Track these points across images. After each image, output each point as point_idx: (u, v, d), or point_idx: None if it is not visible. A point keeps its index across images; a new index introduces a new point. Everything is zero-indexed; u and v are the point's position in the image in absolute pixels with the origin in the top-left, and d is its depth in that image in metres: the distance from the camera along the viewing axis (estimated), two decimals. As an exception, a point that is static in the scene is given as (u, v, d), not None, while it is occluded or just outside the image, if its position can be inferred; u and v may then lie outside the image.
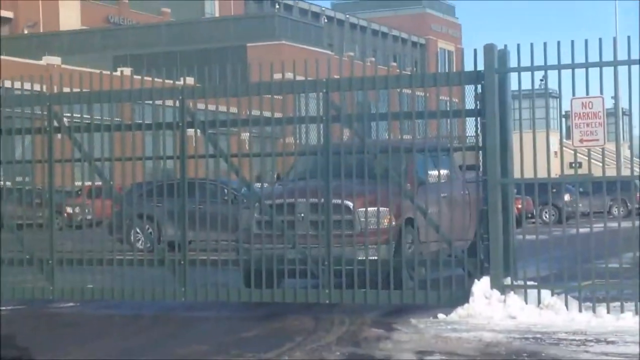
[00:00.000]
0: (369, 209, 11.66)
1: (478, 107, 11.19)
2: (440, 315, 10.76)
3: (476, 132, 11.23)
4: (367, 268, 11.24)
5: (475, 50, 11.12)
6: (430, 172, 12.38)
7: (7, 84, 12.64)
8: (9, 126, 12.73)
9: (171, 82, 12.33)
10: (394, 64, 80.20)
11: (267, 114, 11.92)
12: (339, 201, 11.60)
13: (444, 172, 12.26)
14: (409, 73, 11.52)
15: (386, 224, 11.74)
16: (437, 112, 11.37)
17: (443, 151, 11.61)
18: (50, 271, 12.33)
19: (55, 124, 12.44)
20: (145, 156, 12.18)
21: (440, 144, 11.47)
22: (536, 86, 11.59)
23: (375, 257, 11.41)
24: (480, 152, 11.17)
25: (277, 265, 11.46)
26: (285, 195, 11.81)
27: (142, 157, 12.15)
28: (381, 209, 11.65)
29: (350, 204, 11.77)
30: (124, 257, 12.25)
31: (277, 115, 11.81)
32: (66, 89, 12.40)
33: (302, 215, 11.70)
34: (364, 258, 11.33)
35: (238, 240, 11.86)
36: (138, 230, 13.67)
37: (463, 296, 10.92)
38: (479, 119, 11.18)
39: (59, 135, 12.57)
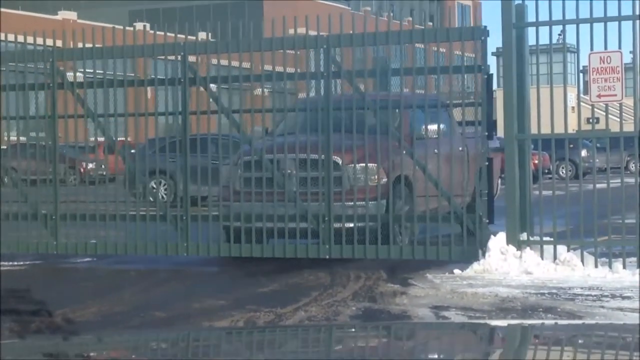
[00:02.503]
0: (357, 165, 11.54)
1: (479, 64, 11.06)
2: (456, 271, 10.76)
3: (475, 87, 11.14)
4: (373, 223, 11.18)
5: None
6: (424, 127, 12.29)
7: (20, 39, 12.60)
8: (23, 82, 12.72)
9: (192, 37, 12.26)
10: (410, 18, 79.78)
11: (279, 69, 11.84)
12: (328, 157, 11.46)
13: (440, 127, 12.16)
14: (422, 28, 11.41)
15: (375, 180, 11.63)
16: (436, 68, 11.27)
17: (436, 106, 11.51)
18: (54, 226, 12.37)
19: (62, 80, 12.43)
20: (157, 112, 12.19)
21: (433, 99, 11.37)
22: (554, 41, 11.47)
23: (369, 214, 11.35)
24: (479, 107, 11.07)
25: (267, 222, 11.44)
26: (271, 150, 11.61)
27: (154, 113, 12.17)
28: (371, 165, 11.53)
29: (338, 160, 11.66)
30: (127, 212, 12.21)
31: (279, 70, 11.71)
32: (80, 45, 12.37)
33: (290, 171, 11.59)
34: (361, 214, 11.28)
35: (220, 197, 11.80)
36: (153, 185, 13.69)
37: (470, 252, 10.91)
38: (479, 74, 11.07)
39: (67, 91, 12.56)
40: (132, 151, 13.06)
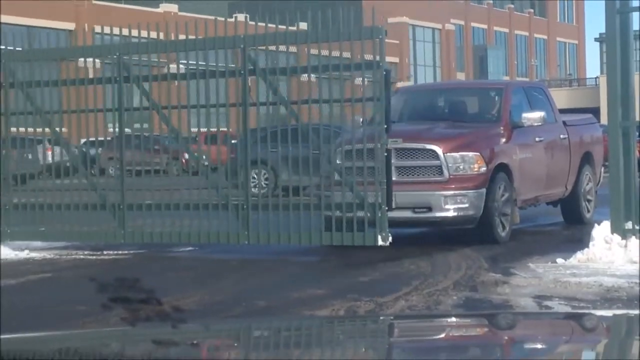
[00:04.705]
0: (457, 154, 11.43)
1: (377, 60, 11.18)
2: (559, 260, 10.62)
3: (374, 85, 11.31)
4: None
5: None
6: (525, 115, 12.14)
7: (125, 32, 12.81)
8: (125, 74, 12.91)
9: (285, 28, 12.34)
10: (511, 5, 78.88)
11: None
12: (424, 146, 11.39)
13: (540, 114, 12.07)
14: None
15: (476, 169, 11.50)
16: (339, 65, 11.69)
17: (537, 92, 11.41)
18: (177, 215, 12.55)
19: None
20: (261, 102, 12.27)
21: (535, 86, 11.31)
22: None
23: (466, 205, 11.32)
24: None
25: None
26: (366, 140, 11.43)
27: (257, 102, 12.26)
28: (470, 153, 11.43)
29: (437, 149, 11.55)
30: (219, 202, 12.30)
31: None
32: (182, 36, 12.52)
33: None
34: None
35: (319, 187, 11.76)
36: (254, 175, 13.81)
37: (370, 236, 11.20)
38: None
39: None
40: (233, 142, 13.18)
